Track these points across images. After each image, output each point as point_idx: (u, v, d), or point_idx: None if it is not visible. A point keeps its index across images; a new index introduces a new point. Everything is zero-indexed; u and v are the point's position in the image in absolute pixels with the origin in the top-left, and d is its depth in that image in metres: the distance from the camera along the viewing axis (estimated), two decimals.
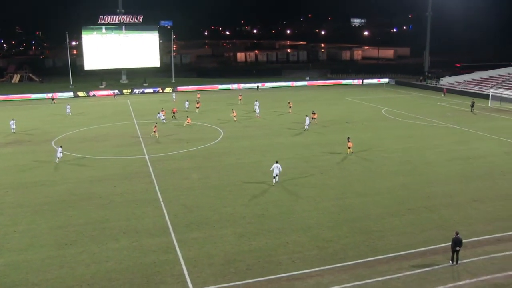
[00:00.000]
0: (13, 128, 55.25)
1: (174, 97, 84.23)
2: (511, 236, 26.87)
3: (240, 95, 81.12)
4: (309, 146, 47.86)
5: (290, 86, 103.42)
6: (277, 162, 35.66)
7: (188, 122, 58.52)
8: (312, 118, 58.10)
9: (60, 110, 73.15)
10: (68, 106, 69.69)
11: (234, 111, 63.33)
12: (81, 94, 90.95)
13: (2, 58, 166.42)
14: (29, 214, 30.58)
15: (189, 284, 21.94)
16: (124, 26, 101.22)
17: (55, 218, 29.97)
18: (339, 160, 42.64)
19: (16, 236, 27.30)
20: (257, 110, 65.85)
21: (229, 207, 31.37)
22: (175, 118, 63.43)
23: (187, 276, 22.62)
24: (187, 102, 72.01)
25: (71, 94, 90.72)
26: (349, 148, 44.23)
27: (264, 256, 24.56)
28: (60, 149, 43.08)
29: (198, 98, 79.82)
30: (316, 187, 35.13)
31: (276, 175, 35.54)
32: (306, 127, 55.13)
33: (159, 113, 61.75)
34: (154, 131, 52.03)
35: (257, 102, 67.70)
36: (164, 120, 60.45)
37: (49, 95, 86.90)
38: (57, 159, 42.52)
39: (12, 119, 56.23)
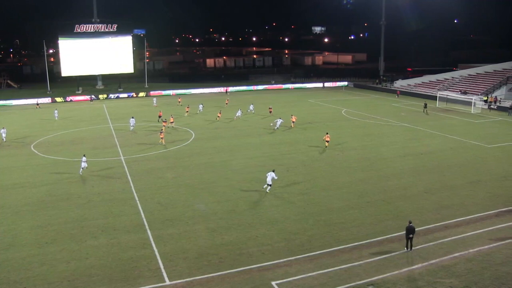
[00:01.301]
0: (4, 137, 51.44)
1: (155, 101, 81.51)
2: (457, 222, 27.80)
3: (227, 100, 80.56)
4: (276, 145, 48.05)
5: (253, 90, 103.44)
6: (273, 171, 33.73)
7: (171, 122, 57.79)
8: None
9: (41, 115, 71.47)
10: (55, 111, 67.26)
11: (220, 112, 65.36)
12: (58, 99, 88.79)
13: None
14: (9, 215, 29.75)
15: (165, 278, 21.75)
16: (99, 35, 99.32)
17: (35, 218, 29.24)
18: (304, 157, 42.96)
19: None
20: (252, 110, 69.87)
21: (202, 204, 31.22)
22: (160, 121, 61.31)
23: (163, 270, 22.42)
24: (201, 105, 71.77)
25: (48, 99, 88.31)
26: (327, 141, 46.26)
27: (236, 249, 24.55)
28: (84, 159, 38.65)
29: (180, 102, 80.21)
30: (283, 184, 35.30)
31: (269, 184, 33.13)
32: (277, 127, 56.23)
33: (131, 118, 57.37)
34: (162, 138, 48.60)
35: (252, 106, 70.98)
36: (132, 127, 56.31)
37: (27, 101, 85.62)
38: (81, 169, 38.36)
39: (3, 128, 52.60)
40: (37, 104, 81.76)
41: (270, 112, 67.49)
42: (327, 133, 47.39)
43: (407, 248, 24.05)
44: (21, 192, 34.26)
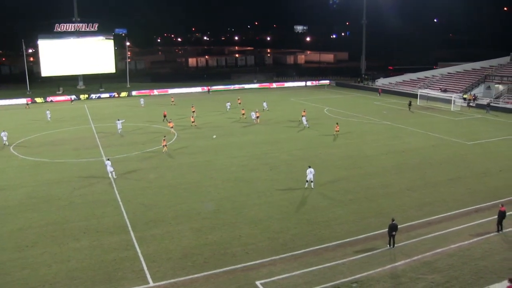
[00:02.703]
0: (4, 141, 49.39)
1: (142, 102, 79.46)
2: (438, 219, 28.12)
3: (239, 98, 78.52)
4: (258, 144, 48.02)
5: (235, 89, 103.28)
6: (310, 167, 33.77)
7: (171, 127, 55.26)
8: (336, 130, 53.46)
9: (20, 115, 70.31)
10: (48, 112, 65.46)
11: (243, 110, 64.90)
12: (38, 100, 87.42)
13: None
14: None
15: (149, 279, 21.54)
16: (79, 34, 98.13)
17: (15, 221, 28.70)
18: (286, 156, 43.02)
19: None
20: (266, 107, 70.71)
21: (185, 204, 31.03)
22: (165, 120, 60.48)
23: (146, 271, 22.20)
24: (228, 104, 71.26)
25: (25, 100, 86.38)
26: (337, 130, 51.27)
27: (220, 249, 24.45)
28: (109, 163, 37.38)
29: (173, 102, 79.72)
30: (266, 183, 35.29)
31: (310, 180, 33.47)
32: (255, 120, 58.93)
33: (118, 120, 56.03)
34: (164, 146, 45.25)
35: (265, 103, 71.81)
36: (119, 130, 54.69)
37: (5, 102, 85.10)
38: (110, 173, 36.95)
39: (3, 131, 50.42)
40: (27, 104, 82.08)
41: (193, 112, 66.16)
42: (337, 123, 52.51)
43: (390, 245, 24.23)
44: (1, 195, 33.60)
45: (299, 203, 30.93)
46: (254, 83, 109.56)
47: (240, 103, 73.40)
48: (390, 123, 59.25)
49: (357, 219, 28.17)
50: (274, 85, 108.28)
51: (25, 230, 27.31)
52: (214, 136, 49.81)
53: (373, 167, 39.33)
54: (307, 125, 56.34)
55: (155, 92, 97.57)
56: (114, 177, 36.91)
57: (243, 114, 63.48)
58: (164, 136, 46.96)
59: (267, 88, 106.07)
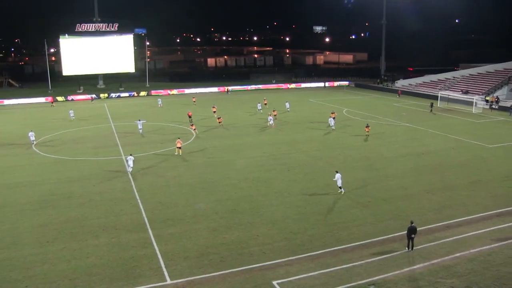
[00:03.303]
0: (32, 140, 49.65)
1: (160, 102, 78.83)
2: (458, 222, 27.73)
3: (265, 99, 76.33)
4: (276, 144, 48.01)
5: (251, 89, 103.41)
6: (337, 172, 33.08)
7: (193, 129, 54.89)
8: (333, 117, 56.38)
9: (42, 114, 71.49)
10: (71, 111, 65.50)
11: (275, 111, 63.38)
12: (60, 98, 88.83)
13: None
14: (11, 214, 29.76)
15: (166, 277, 21.73)
16: (100, 34, 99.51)
17: (36, 217, 29.25)
18: (304, 157, 42.92)
19: (0, 235, 26.60)
20: (288, 108, 69.75)
21: (202, 203, 31.20)
22: (190, 121, 59.83)
23: (164, 269, 22.40)
24: (259, 104, 69.99)
25: (40, 99, 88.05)
26: (367, 131, 50.91)
27: (237, 248, 24.53)
28: (131, 158, 38.45)
29: (194, 101, 79.49)
30: (284, 183, 35.29)
31: (339, 187, 32.77)
32: (270, 122, 57.22)
33: (139, 120, 55.37)
34: (179, 147, 44.07)
35: (288, 103, 71.03)
36: (141, 130, 54.26)
37: (28, 100, 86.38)
38: (130, 168, 38.36)
39: (31, 131, 50.75)
40: (52, 103, 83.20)
41: (214, 112, 65.53)
42: (367, 125, 51.93)
43: (408, 248, 24.01)
44: (23, 191, 34.27)
45: (317, 204, 30.83)
46: (272, 83, 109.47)
47: (266, 103, 72.15)
48: (409, 124, 58.65)
49: (375, 221, 27.98)
50: (293, 85, 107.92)
51: (46, 226, 27.81)
52: (176, 153, 44.18)
53: (391, 169, 38.99)
54: (333, 127, 55.03)
55: (174, 91, 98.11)
56: (130, 171, 38.26)
57: (275, 115, 61.95)
58: (178, 138, 46.18)
59: (279, 88, 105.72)
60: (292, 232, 26.45)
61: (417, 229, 24.16)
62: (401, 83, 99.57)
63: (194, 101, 79.95)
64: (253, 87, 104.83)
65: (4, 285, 21.25)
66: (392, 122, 60.34)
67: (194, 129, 54.37)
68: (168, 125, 59.37)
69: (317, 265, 22.64)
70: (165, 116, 66.79)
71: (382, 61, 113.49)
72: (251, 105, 74.64)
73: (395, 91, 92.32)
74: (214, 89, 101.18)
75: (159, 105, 77.61)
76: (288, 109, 68.92)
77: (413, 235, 23.80)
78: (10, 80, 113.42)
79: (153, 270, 22.40)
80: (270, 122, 57.09)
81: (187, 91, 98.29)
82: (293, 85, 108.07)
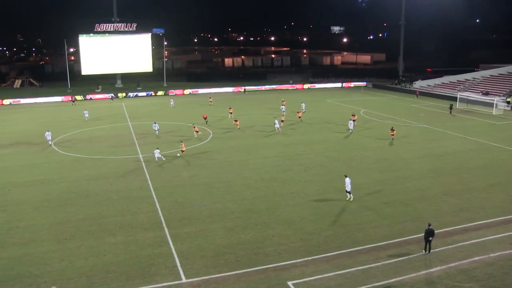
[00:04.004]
0: (49, 140, 49.32)
1: (172, 103, 78.22)
2: (476, 226, 27.31)
3: (283, 100, 73.06)
4: (292, 145, 47.91)
5: (274, 89, 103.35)
6: (346, 177, 31.83)
7: (236, 124, 56.68)
8: (354, 120, 54.82)
9: (61, 113, 72.45)
10: (85, 112, 65.24)
11: (299, 115, 62.68)
12: (78, 97, 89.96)
13: (5, 64, 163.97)
14: (30, 211, 30.26)
15: (182, 276, 21.85)
16: (118, 34, 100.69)
17: (54, 214, 29.68)
18: (321, 158, 42.76)
19: (19, 232, 27.04)
20: (304, 109, 68.19)
21: (219, 203, 31.30)
22: (206, 123, 59.59)
23: (180, 268, 22.53)
24: (303, 104, 69.54)
25: (59, 98, 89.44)
26: (392, 135, 49.10)
27: (252, 248, 24.55)
28: (157, 151, 41.91)
29: (211, 102, 78.92)
30: (300, 184, 35.20)
31: (348, 192, 31.52)
32: (277, 126, 54.76)
33: (154, 124, 54.47)
34: (183, 151, 43.80)
35: (304, 104, 70.10)
36: (157, 131, 53.59)
37: (48, 99, 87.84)
38: (157, 158, 41.73)
39: (48, 131, 50.18)
40: (73, 101, 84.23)
41: (231, 113, 64.83)
42: (392, 128, 50.06)
43: (425, 251, 23.74)
44: (42, 189, 34.79)
45: (333, 205, 30.69)
46: (289, 83, 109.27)
47: (284, 104, 70.23)
48: (427, 126, 58.01)
49: (392, 223, 27.74)
50: (309, 85, 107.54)
51: (64, 223, 28.20)
52: (178, 155, 43.56)
53: (408, 171, 38.61)
54: (351, 130, 53.32)
55: (189, 91, 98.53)
56: (163, 159, 41.58)
57: (300, 116, 62.02)
58: (181, 142, 45.06)
59: (296, 89, 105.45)
60: (308, 233, 26.37)
61: (435, 231, 23.88)
62: (419, 84, 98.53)
63: (211, 101, 79.57)
64: (268, 87, 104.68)
65: (24, 280, 21.62)
66: (410, 123, 59.75)
67: (197, 131, 52.48)
68: (186, 125, 59.58)
69: (333, 266, 22.53)
70: (182, 116, 67.12)
71: (400, 62, 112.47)
72: (268, 105, 74.71)
73: (413, 92, 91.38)
74: (230, 89, 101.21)
75: (171, 105, 77.30)
76: (304, 110, 68.05)
77: (430, 238, 23.54)
78: (31, 79, 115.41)
79: (169, 268, 22.55)
80: (276, 126, 54.61)
81: (203, 91, 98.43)
82: (309, 86, 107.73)
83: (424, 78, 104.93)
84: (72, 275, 21.98)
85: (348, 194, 31.59)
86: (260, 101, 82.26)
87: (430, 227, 23.64)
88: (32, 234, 26.69)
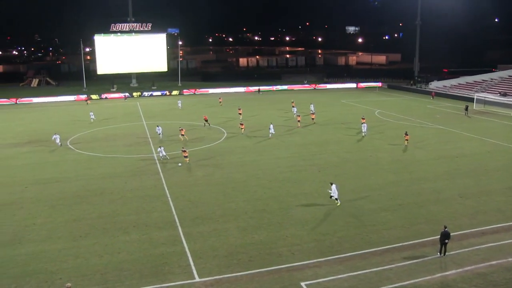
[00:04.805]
0: (57, 143, 48.57)
1: (180, 104, 76.38)
2: (494, 229, 26.90)
3: (292, 101, 72.84)
4: (306, 145, 47.79)
5: (287, 89, 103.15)
6: (332, 184, 31.25)
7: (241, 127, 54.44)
8: (405, 139, 48.01)
9: (77, 112, 73.19)
10: (91, 113, 64.68)
11: (312, 117, 61.31)
12: (94, 96, 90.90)
13: (22, 64, 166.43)
14: (46, 208, 30.63)
15: (195, 275, 21.93)
16: (134, 33, 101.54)
17: (70, 212, 30.01)
18: (334, 158, 42.57)
19: (35, 229, 27.41)
20: (313, 110, 65.68)
21: (232, 203, 31.35)
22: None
23: (193, 267, 22.62)
24: (312, 105, 67.86)
25: (73, 97, 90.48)
26: (407, 140, 47.04)
27: (265, 248, 24.54)
28: (162, 148, 42.62)
29: (220, 102, 78.51)
30: (314, 184, 35.09)
31: (332, 197, 30.84)
32: (270, 134, 51.63)
33: (157, 127, 53.16)
34: (185, 156, 41.53)
35: (312, 105, 68.17)
36: (161, 135, 51.87)
37: (64, 98, 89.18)
38: (162, 156, 42.22)
39: (55, 134, 49.72)
40: (87, 100, 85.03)
41: (240, 114, 64.09)
42: (407, 133, 47.94)
43: (440, 254, 23.47)
44: (57, 187, 35.21)
45: (347, 206, 30.54)
46: (304, 84, 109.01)
47: (293, 105, 69.68)
48: (443, 127, 57.40)
49: (406, 225, 27.50)
50: (324, 85, 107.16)
51: (79, 221, 28.50)
52: (180, 164, 41.15)
53: (423, 172, 38.23)
54: (365, 134, 51.86)
55: (205, 90, 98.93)
56: (167, 157, 41.98)
57: (313, 118, 60.78)
58: (183, 147, 43.40)
59: (310, 89, 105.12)
60: (321, 234, 26.28)
61: (450, 234, 23.60)
62: (435, 85, 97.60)
63: (220, 102, 79.13)
64: (280, 87, 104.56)
65: (40, 276, 21.91)
66: (425, 124, 59.19)
67: (183, 135, 50.28)
68: (199, 124, 59.75)
69: (346, 267, 22.42)
70: (195, 116, 67.32)
71: (416, 62, 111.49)
72: (282, 106, 74.57)
73: (428, 93, 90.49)
74: (242, 89, 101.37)
75: (179, 107, 75.11)
76: (313, 111, 65.75)
77: (446, 240, 23.25)
78: (48, 79, 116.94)
79: (182, 267, 22.64)
80: (270, 131, 51.63)
81: (217, 90, 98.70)
82: (324, 86, 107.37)
83: (440, 78, 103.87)
84: (87, 272, 22.20)
85: (336, 200, 30.77)
86: (274, 101, 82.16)
87: (446, 229, 23.36)
88: (48, 231, 27.03)
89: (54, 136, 49.36)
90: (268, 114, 67.66)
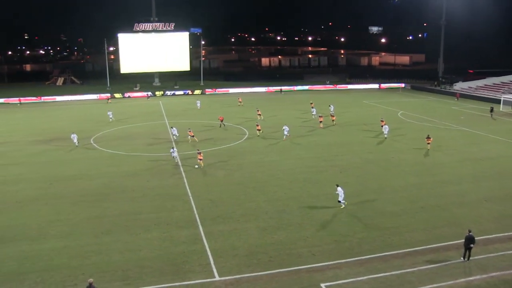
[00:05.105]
0: (75, 142, 48.44)
1: (198, 104, 75.45)
2: None
3: (311, 102, 71.80)
4: (327, 146, 47.51)
5: (308, 89, 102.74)
6: (338, 186, 30.73)
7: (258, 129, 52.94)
8: (427, 143, 46.10)
9: (100, 110, 74.23)
10: (110, 113, 64.65)
11: (332, 119, 59.68)
12: (117, 95, 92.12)
13: (49, 63, 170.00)
14: (69, 205, 31.16)
15: (215, 273, 22.02)
16: (157, 33, 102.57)
17: (92, 209, 30.46)
18: (356, 159, 42.22)
19: (59, 224, 27.94)
20: (332, 111, 64.93)
21: (253, 203, 31.37)
22: (224, 125, 57.91)
23: (213, 266, 22.71)
24: (331, 106, 67.36)
25: (95, 96, 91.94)
26: (429, 143, 45.36)
27: (285, 248, 24.49)
28: (175, 150, 42.17)
29: (240, 102, 78.24)
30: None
31: (340, 201, 30.31)
32: (285, 136, 50.45)
33: (172, 128, 52.77)
34: (200, 158, 40.36)
35: (332, 106, 67.56)
36: (175, 136, 50.90)
37: (88, 96, 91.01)
38: (175, 158, 41.61)
39: (73, 133, 49.49)
40: (108, 99, 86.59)
41: (259, 115, 63.33)
42: (429, 137, 45.92)
43: (464, 258, 23.02)
44: (80, 184, 35.78)
45: (368, 208, 30.25)
46: (326, 84, 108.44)
47: (312, 106, 68.75)
48: (467, 129, 56.36)
49: (428, 228, 27.09)
50: (346, 86, 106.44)
51: (101, 218, 28.91)
52: (196, 166, 40.23)
53: (447, 175, 37.60)
54: (386, 136, 50.72)
55: (226, 90, 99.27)
56: (175, 158, 41.42)
57: (333, 119, 59.18)
58: (198, 150, 42.24)
59: (332, 89, 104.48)
60: (341, 235, 26.10)
61: (475, 238, 23.12)
62: (460, 86, 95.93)
63: (240, 102, 78.77)
64: (303, 87, 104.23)
65: (64, 271, 22.32)
66: (449, 126, 58.23)
67: (193, 136, 49.38)
68: (220, 124, 59.98)
69: (367, 269, 22.21)
70: (217, 115, 67.53)
71: (440, 63, 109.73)
72: (302, 106, 74.24)
73: (453, 94, 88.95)
74: (263, 89, 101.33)
75: (198, 107, 74.45)
76: (332, 113, 64.78)
77: (471, 245, 22.77)
78: (73, 78, 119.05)
79: (202, 266, 22.75)
80: (285, 133, 50.34)
81: (240, 90, 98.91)
82: (345, 86, 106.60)
83: (466, 79, 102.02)
84: (108, 269, 22.50)
85: (342, 202, 30.27)
86: (296, 102, 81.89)
87: (471, 233, 22.90)
88: (71, 227, 27.49)
89: (72, 136, 49.15)
90: (288, 114, 67.49)
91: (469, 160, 41.96)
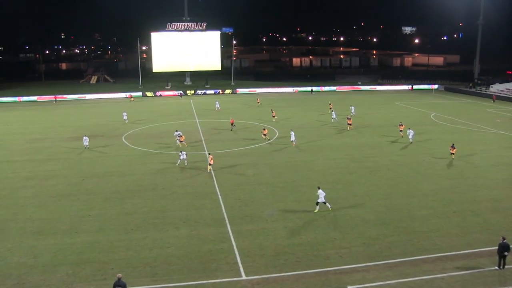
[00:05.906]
0: (86, 145, 47.17)
1: (218, 105, 73.66)
2: None
3: (330, 103, 71.59)
4: (358, 147, 46.99)
5: (335, 90, 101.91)
6: (319, 188, 29.83)
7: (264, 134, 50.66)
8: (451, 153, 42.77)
9: (131, 108, 75.48)
10: (124, 114, 63.35)
11: (349, 122, 56.72)
12: (149, 94, 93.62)
13: (83, 62, 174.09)
14: (100, 201, 31.80)
15: (242, 272, 22.07)
16: (189, 32, 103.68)
17: (122, 205, 31.01)
18: (387, 162, 41.61)
19: (90, 220, 28.54)
20: (353, 112, 65.57)
21: (281, 203, 31.31)
22: (234, 127, 56.76)
23: (240, 265, 22.77)
24: (353, 107, 66.77)
25: (139, 93, 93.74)
26: (453, 153, 42.29)
27: (313, 250, 24.35)
28: (183, 153, 40.40)
29: (258, 102, 78.28)
30: (365, 187, 34.45)
31: (320, 202, 29.58)
32: (292, 139, 47.99)
33: (177, 131, 49.89)
34: (210, 163, 38.71)
35: (353, 107, 67.30)
36: (178, 141, 48.10)
37: (120, 94, 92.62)
38: (179, 161, 40.18)
39: (85, 135, 48.39)
40: (131, 98, 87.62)
41: (274, 116, 62.83)
42: (453, 146, 42.53)
43: (499, 267, 22.30)
44: (111, 180, 36.48)
45: (398, 210, 29.77)
46: (358, 85, 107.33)
47: (331, 107, 68.15)
48: (504, 132, 54.76)
49: (460, 233, 26.45)
50: (378, 87, 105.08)
51: (131, 214, 29.38)
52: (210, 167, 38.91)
53: (481, 179, 36.61)
54: (411, 140, 48.59)
55: (258, 90, 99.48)
56: (184, 160, 40.03)
57: (350, 123, 56.52)
58: (209, 153, 41.42)
59: (363, 90, 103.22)
60: (370, 238, 25.77)
61: (510, 246, 22.39)
62: (496, 88, 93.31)
63: (259, 102, 78.54)
64: (330, 88, 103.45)
65: (94, 265, 22.82)
66: (485, 129, 56.70)
67: (182, 141, 47.42)
68: (252, 123, 60.13)
69: (395, 273, 21.86)
70: (248, 115, 67.81)
71: (476, 64, 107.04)
72: (335, 106, 73.50)
73: (489, 96, 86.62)
74: (290, 90, 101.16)
75: (217, 109, 72.65)
76: (354, 114, 64.33)
77: (505, 253, 21.99)
78: (106, 76, 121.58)
79: (230, 265, 22.84)
80: (291, 139, 47.99)
81: (271, 90, 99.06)
82: (374, 88, 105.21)
83: (503, 81, 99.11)
84: (137, 264, 22.85)
85: (317, 204, 29.57)
86: (326, 102, 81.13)
87: (505, 241, 22.16)
88: (102, 223, 28.05)
89: (84, 138, 47.75)
90: (307, 116, 67.05)
91: (505, 165, 40.76)
